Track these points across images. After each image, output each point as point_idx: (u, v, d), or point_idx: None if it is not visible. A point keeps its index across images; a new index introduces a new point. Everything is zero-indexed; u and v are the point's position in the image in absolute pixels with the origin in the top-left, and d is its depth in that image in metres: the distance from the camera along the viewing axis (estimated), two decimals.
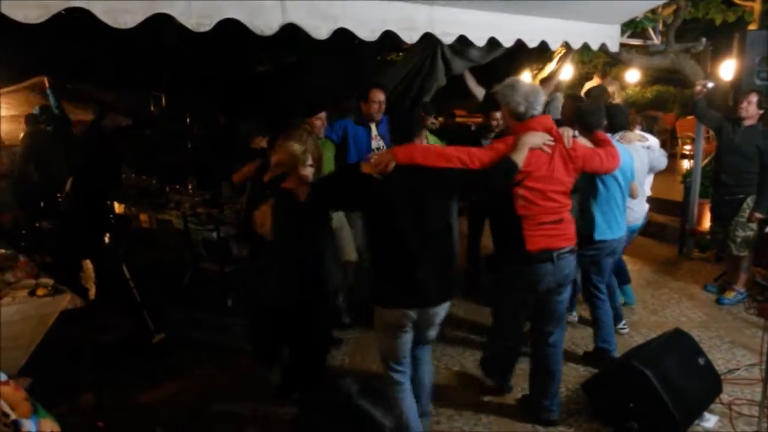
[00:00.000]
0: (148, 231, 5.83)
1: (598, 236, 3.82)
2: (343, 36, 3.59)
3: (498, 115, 4.79)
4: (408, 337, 2.91)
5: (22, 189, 6.08)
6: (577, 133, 3.34)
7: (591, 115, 3.63)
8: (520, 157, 2.87)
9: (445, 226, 2.86)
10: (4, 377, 2.41)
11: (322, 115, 4.34)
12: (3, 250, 4.20)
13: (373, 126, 4.62)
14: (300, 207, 3.09)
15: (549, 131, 3.00)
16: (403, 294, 2.78)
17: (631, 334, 4.50)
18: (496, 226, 3.27)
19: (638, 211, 4.40)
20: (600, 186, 3.79)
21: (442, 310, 2.89)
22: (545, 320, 3.29)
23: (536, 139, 2.94)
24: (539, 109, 3.01)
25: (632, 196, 4.08)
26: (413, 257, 2.73)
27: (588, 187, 3.79)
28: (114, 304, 4.64)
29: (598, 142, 3.37)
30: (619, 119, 4.22)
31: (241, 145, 4.56)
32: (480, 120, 8.41)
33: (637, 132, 4.55)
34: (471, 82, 5.35)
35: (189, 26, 2.79)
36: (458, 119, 9.66)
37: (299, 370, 3.46)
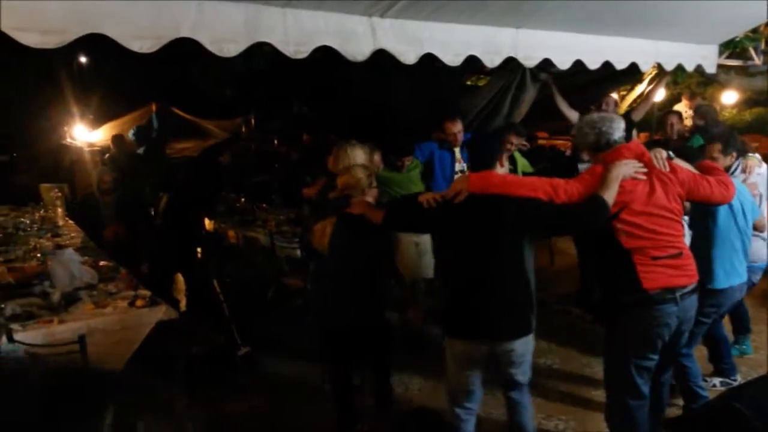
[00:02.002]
0: (235, 247, 6.06)
1: (716, 285, 3.29)
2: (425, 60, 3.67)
3: (515, 140, 4.86)
4: (477, 374, 2.81)
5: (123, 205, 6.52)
6: (671, 153, 3.01)
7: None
8: (610, 194, 2.64)
9: (520, 259, 2.69)
10: None
11: None
12: (106, 262, 4.50)
13: (456, 149, 4.82)
14: (360, 230, 3.11)
15: (640, 157, 2.80)
16: (469, 324, 2.70)
17: None
18: (602, 264, 2.94)
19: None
20: (710, 223, 3.32)
21: (519, 347, 2.70)
22: (662, 366, 2.96)
23: (627, 168, 2.73)
24: (618, 135, 2.81)
25: (758, 228, 3.54)
26: (480, 287, 2.65)
27: (698, 223, 3.38)
28: (204, 316, 4.85)
29: (706, 170, 3.03)
30: (736, 142, 3.71)
31: (320, 164, 4.70)
32: (562, 142, 8.26)
33: (757, 156, 3.94)
34: (563, 106, 5.26)
35: (287, 53, 2.93)
36: (540, 141, 9.48)
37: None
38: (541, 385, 4.03)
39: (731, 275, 3.34)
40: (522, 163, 4.84)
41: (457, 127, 4.79)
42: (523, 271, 2.70)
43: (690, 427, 3.19)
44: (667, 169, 2.81)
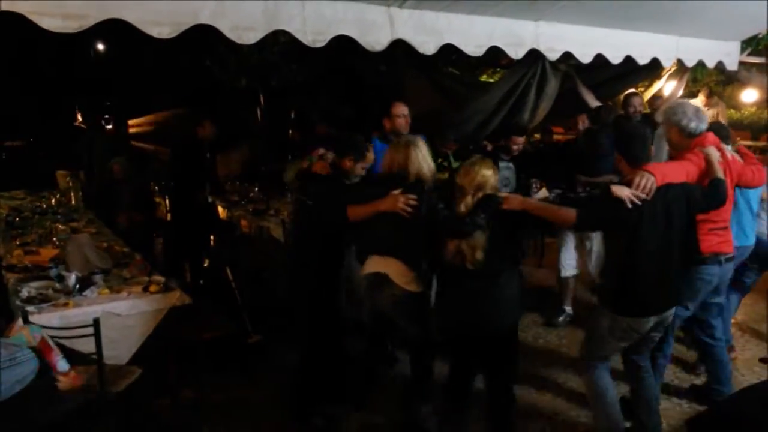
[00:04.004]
0: (248, 236, 6.08)
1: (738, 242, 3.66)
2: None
3: (520, 140, 4.84)
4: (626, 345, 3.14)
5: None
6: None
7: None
8: (721, 173, 3.08)
9: (684, 239, 3.00)
10: (65, 367, 2.56)
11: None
12: (121, 248, 4.54)
13: None
14: (515, 229, 3.08)
15: (717, 146, 3.24)
16: (644, 304, 2.95)
17: (742, 372, 4.18)
18: None
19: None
20: (740, 197, 3.70)
21: (671, 313, 3.07)
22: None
23: (716, 153, 3.15)
24: (706, 123, 3.25)
25: None
26: (656, 269, 2.90)
27: None
28: (216, 304, 4.87)
29: (744, 157, 3.54)
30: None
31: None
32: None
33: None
34: (589, 97, 5.22)
35: (305, 42, 2.92)
36: (556, 137, 9.38)
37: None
38: None
39: (749, 236, 3.84)
40: (456, 165, 4.54)
41: (404, 110, 4.27)
42: (682, 248, 3.02)
43: (708, 425, 3.18)
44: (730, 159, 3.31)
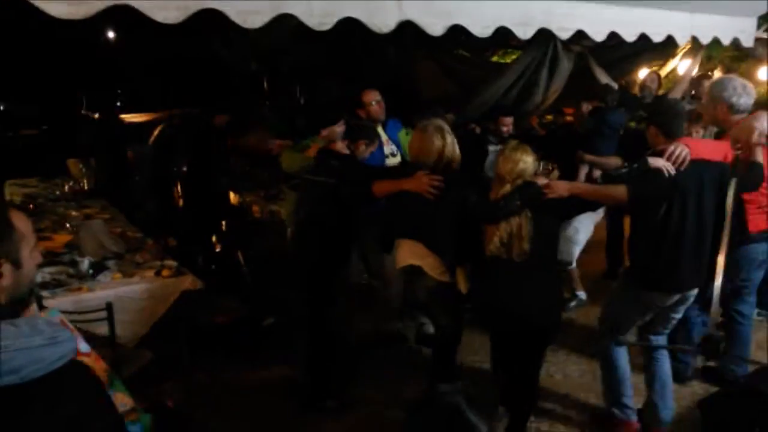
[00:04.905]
0: (259, 221, 6.10)
1: None
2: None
3: (508, 120, 4.73)
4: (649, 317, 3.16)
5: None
6: None
7: None
8: (759, 156, 3.07)
9: (713, 218, 2.96)
10: (86, 348, 2.59)
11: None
12: (134, 233, 4.57)
13: (380, 130, 4.22)
14: (558, 216, 3.11)
15: None
16: (673, 279, 2.96)
17: (757, 355, 4.14)
18: None
19: None
20: None
21: (694, 293, 3.06)
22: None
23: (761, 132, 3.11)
24: (752, 102, 3.23)
25: None
26: (689, 245, 2.92)
27: None
28: (228, 287, 4.91)
29: None
30: None
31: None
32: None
33: None
34: (603, 76, 5.17)
35: (311, 25, 2.90)
36: (567, 118, 9.28)
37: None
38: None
39: None
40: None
41: (375, 96, 4.17)
42: (714, 228, 3.02)
43: (721, 406, 3.17)
44: None
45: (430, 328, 4.20)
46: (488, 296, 3.12)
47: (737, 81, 3.28)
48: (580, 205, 3.07)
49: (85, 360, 2.59)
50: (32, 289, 1.61)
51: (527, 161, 2.93)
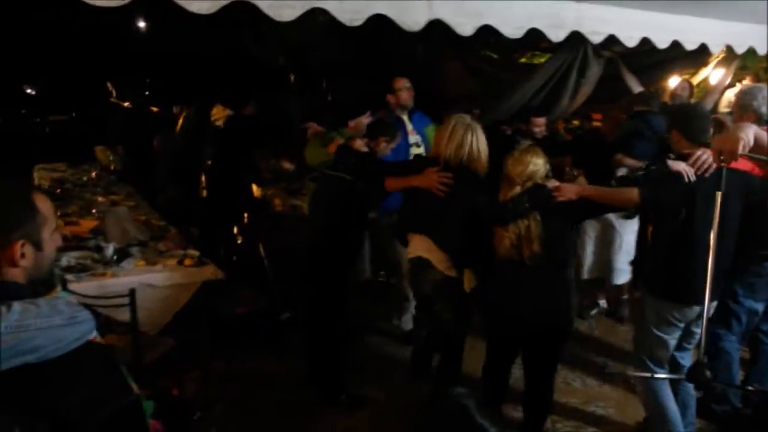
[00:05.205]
0: (281, 214, 6.14)
1: None
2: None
3: (540, 121, 4.65)
4: (676, 337, 3.00)
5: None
6: None
7: None
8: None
9: (734, 227, 2.87)
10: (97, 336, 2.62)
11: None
12: (158, 221, 4.63)
13: (405, 119, 4.33)
14: (571, 221, 3.05)
15: None
16: (692, 289, 2.77)
17: None
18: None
19: None
20: None
21: (711, 308, 2.91)
22: None
23: None
24: None
25: None
26: (707, 255, 2.73)
27: None
28: (248, 279, 4.95)
29: None
30: None
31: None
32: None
33: None
34: (633, 82, 5.11)
35: (343, 21, 2.90)
36: (595, 123, 9.16)
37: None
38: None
39: None
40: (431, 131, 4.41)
41: (406, 83, 4.30)
42: (738, 238, 2.94)
43: (741, 426, 3.11)
44: None
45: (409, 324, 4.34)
46: (499, 297, 3.10)
47: (764, 90, 3.21)
48: (591, 207, 3.02)
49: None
50: (53, 271, 1.64)
51: (538, 163, 2.90)
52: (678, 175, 2.77)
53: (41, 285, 1.49)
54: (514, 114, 5.10)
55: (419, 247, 3.34)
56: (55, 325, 1.30)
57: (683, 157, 2.84)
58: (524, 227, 2.87)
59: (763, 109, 3.13)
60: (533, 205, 2.84)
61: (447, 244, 3.22)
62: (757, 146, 2.61)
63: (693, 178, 2.75)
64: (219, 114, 6.37)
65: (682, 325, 2.98)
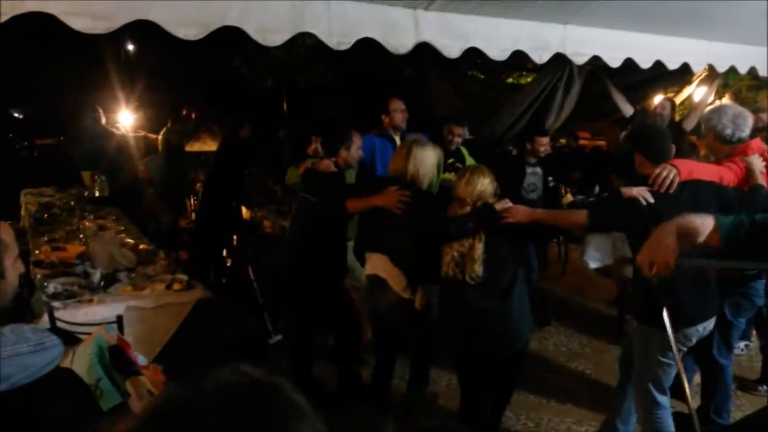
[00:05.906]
0: (270, 236, 6.12)
1: None
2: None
3: (544, 140, 4.68)
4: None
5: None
6: None
7: None
8: (762, 182, 2.97)
9: None
10: (145, 361, 2.60)
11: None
12: (146, 246, 4.59)
13: (398, 140, 4.33)
14: (520, 241, 3.09)
15: (762, 154, 3.13)
16: (687, 312, 2.75)
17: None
18: None
19: None
20: None
21: (710, 326, 2.87)
22: None
23: (759, 163, 3.03)
24: (748, 131, 3.12)
25: None
26: (686, 276, 2.71)
27: None
28: (238, 302, 4.90)
29: None
30: None
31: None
32: (604, 143, 8.06)
33: None
34: (619, 99, 5.17)
35: (330, 45, 2.92)
36: (581, 141, 9.26)
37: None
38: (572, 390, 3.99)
39: None
40: (469, 160, 4.55)
41: (401, 105, 4.34)
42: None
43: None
44: None
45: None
46: (445, 316, 3.11)
47: (726, 111, 3.19)
48: (540, 231, 3.05)
49: (145, 373, 2.60)
50: (22, 298, 1.63)
51: (485, 183, 2.96)
52: (633, 200, 2.71)
53: (6, 312, 1.47)
54: (517, 134, 5.14)
55: (377, 265, 3.37)
56: (22, 353, 1.28)
57: (646, 179, 2.79)
58: (468, 246, 2.89)
59: (727, 131, 3.11)
60: (478, 224, 2.87)
61: (402, 262, 3.25)
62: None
63: (651, 200, 2.68)
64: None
65: (685, 349, 2.91)
